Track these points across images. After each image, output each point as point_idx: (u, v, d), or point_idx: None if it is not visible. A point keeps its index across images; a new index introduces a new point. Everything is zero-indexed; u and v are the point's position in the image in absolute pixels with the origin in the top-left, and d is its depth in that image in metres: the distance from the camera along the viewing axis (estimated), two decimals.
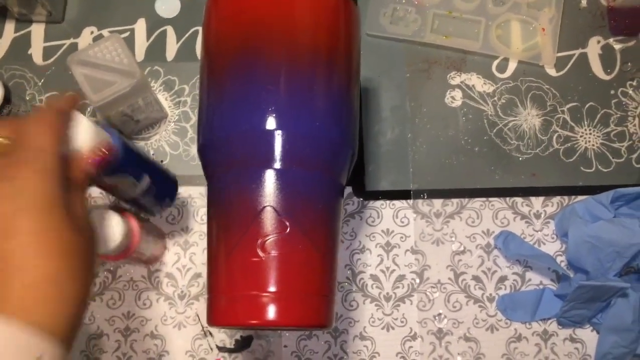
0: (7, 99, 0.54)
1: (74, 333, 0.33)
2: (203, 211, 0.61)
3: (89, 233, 0.35)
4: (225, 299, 0.42)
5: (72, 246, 0.33)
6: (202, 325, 0.58)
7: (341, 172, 0.46)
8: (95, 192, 0.61)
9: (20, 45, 0.66)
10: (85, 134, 0.38)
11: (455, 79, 0.64)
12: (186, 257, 0.59)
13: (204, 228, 0.60)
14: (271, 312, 0.41)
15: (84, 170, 0.38)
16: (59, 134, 0.35)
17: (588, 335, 0.58)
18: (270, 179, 0.42)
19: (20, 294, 0.30)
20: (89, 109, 0.64)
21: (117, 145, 0.42)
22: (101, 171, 0.40)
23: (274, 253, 0.41)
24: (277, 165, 0.43)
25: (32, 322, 0.30)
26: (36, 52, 0.66)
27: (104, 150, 0.40)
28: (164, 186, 0.53)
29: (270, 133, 0.43)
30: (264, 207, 0.42)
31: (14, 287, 0.30)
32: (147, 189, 0.49)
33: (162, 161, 0.62)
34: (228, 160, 0.44)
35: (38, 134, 0.34)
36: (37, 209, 0.32)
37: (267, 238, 0.41)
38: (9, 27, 0.67)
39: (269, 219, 0.42)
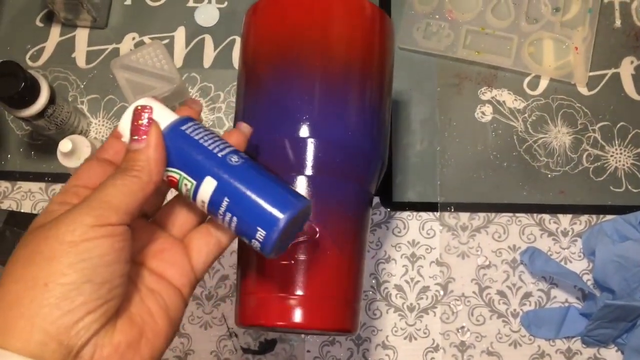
0: (52, 99, 0.57)
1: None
2: None
3: None
4: (254, 299, 0.44)
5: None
6: (227, 327, 0.59)
7: (371, 182, 0.47)
8: None
9: (65, 48, 0.69)
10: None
11: (486, 94, 0.65)
12: None
13: None
14: (298, 314, 0.42)
15: None
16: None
17: (612, 356, 0.57)
18: (302, 185, 0.44)
19: None
20: None
21: None
22: None
23: (303, 257, 0.42)
24: (309, 172, 0.44)
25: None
26: (80, 55, 0.68)
27: None
28: None
29: (304, 141, 0.44)
30: None
31: None
32: None
33: None
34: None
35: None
36: None
37: (297, 242, 0.42)
38: (55, 31, 0.69)
39: None
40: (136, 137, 0.32)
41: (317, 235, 0.43)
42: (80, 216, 0.29)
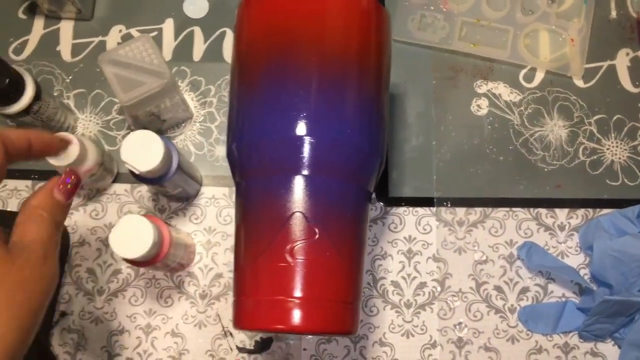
0: (38, 95, 0.55)
1: None
2: (226, 212, 0.61)
3: (36, 261, 0.33)
4: (252, 302, 0.43)
5: None
6: (222, 326, 0.58)
7: (369, 180, 0.46)
8: (129, 197, 0.61)
9: (49, 41, 0.67)
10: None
11: (482, 87, 0.64)
12: (208, 257, 0.60)
13: (227, 229, 0.60)
14: (296, 317, 0.41)
15: (48, 198, 0.36)
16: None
17: (609, 350, 0.57)
18: (300, 185, 0.43)
19: None
20: (115, 107, 0.64)
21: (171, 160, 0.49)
22: (70, 199, 0.37)
23: (301, 259, 0.41)
24: (307, 171, 0.43)
25: None
26: (65, 48, 0.66)
27: (70, 176, 0.37)
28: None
29: (300, 139, 0.43)
30: (294, 212, 0.42)
31: None
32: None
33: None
34: (258, 166, 0.44)
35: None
36: None
37: (296, 244, 0.41)
38: (39, 23, 0.67)
39: (298, 224, 0.42)
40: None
41: (316, 236, 0.42)
42: None
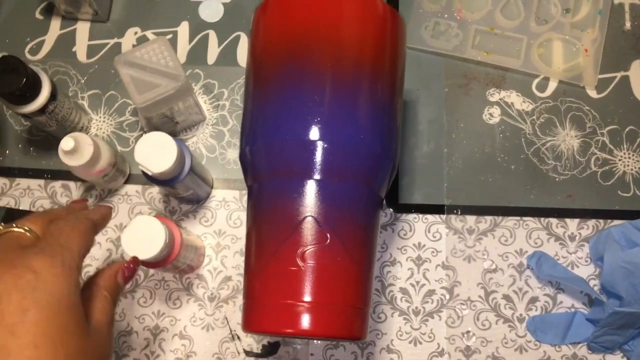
0: (54, 95, 0.55)
1: None
2: (236, 215, 0.61)
3: (102, 341, 0.36)
4: (261, 306, 0.43)
5: (79, 351, 0.33)
6: (230, 329, 0.58)
7: (382, 186, 0.46)
8: (141, 198, 0.62)
9: (66, 42, 0.67)
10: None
11: (494, 95, 0.64)
12: (217, 259, 0.60)
13: (236, 231, 0.61)
14: (306, 321, 0.41)
15: (112, 281, 0.39)
16: (87, 242, 0.37)
17: None
18: (312, 189, 0.43)
19: None
20: (129, 109, 0.65)
21: (183, 162, 0.51)
22: (128, 282, 0.42)
23: (312, 263, 0.42)
24: (319, 176, 0.43)
25: None
26: (80, 49, 0.67)
27: (132, 264, 0.42)
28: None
29: (314, 143, 0.43)
30: (305, 217, 0.42)
31: None
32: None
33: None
34: (271, 169, 0.44)
35: (68, 234, 0.36)
36: (51, 308, 0.32)
37: (307, 248, 0.42)
38: (55, 24, 0.68)
39: (309, 229, 0.42)
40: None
41: (328, 241, 0.42)
42: None
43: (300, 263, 0.41)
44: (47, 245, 0.35)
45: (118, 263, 0.41)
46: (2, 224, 0.37)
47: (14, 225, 0.37)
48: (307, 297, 0.41)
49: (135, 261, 0.42)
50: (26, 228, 0.37)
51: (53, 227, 0.36)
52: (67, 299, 0.33)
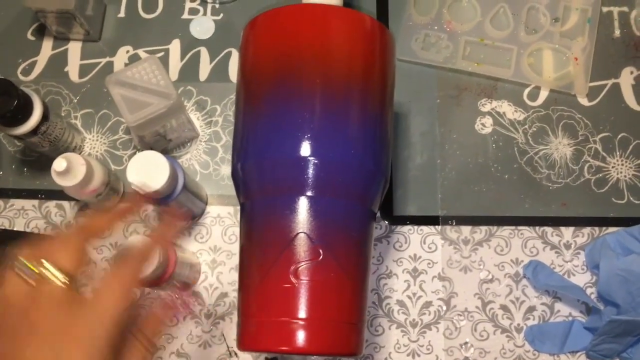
0: (46, 116, 0.56)
1: None
2: (231, 230, 0.61)
3: None
4: (256, 324, 0.43)
5: None
6: (227, 345, 0.58)
7: (374, 200, 0.46)
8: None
9: (57, 62, 0.67)
10: None
11: (486, 106, 0.64)
12: (213, 276, 0.60)
13: (232, 247, 0.60)
14: (301, 338, 0.41)
15: (156, 328, 0.36)
16: (128, 296, 0.33)
17: None
18: (304, 206, 0.43)
19: None
20: (122, 127, 0.65)
21: (176, 180, 0.52)
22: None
23: (305, 280, 0.42)
24: (311, 192, 0.43)
25: None
26: (72, 69, 0.67)
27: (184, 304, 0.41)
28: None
29: (305, 160, 0.43)
30: (298, 233, 0.42)
31: None
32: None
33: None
34: (262, 186, 0.44)
35: (110, 294, 0.32)
36: None
37: (300, 265, 0.41)
38: (47, 44, 0.68)
39: (302, 245, 0.42)
40: None
41: (321, 257, 0.42)
42: None
43: (293, 280, 0.41)
44: (87, 308, 0.31)
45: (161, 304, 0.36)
46: (31, 262, 0.31)
47: (43, 266, 0.31)
48: (302, 314, 0.41)
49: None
50: (61, 277, 0.31)
51: (98, 284, 0.32)
52: None
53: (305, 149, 0.43)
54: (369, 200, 0.46)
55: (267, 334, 0.42)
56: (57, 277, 0.31)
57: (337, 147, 0.43)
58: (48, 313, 0.31)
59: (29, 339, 0.30)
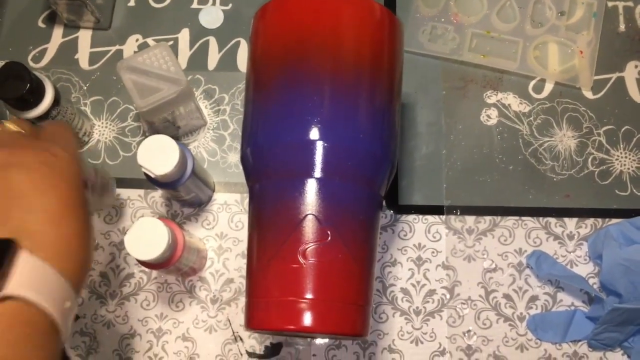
0: (57, 100, 0.56)
1: (82, 286, 0.36)
2: (238, 217, 0.62)
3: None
4: (264, 303, 0.43)
5: (87, 218, 0.37)
6: (232, 330, 0.59)
7: (381, 185, 0.47)
8: (143, 202, 0.62)
9: (68, 49, 0.68)
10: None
11: (492, 97, 0.65)
12: (220, 262, 0.61)
13: (238, 234, 0.61)
14: (308, 318, 0.42)
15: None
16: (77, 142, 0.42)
17: (619, 359, 0.57)
18: (313, 188, 0.43)
19: (55, 244, 0.33)
20: (131, 114, 0.65)
21: (185, 165, 0.53)
22: None
23: (313, 261, 0.42)
24: (319, 175, 0.44)
25: (63, 269, 0.33)
26: (83, 57, 0.68)
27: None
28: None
29: (314, 143, 0.44)
30: (306, 215, 0.43)
31: (50, 236, 0.33)
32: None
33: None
34: (271, 169, 0.45)
35: (62, 134, 0.39)
36: (75, 183, 0.36)
37: (308, 246, 0.42)
38: (58, 32, 0.69)
39: (310, 227, 0.42)
40: None
41: (329, 238, 0.42)
42: None
43: (302, 260, 0.42)
44: (52, 139, 0.38)
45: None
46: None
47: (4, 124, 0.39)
48: (309, 294, 0.42)
49: None
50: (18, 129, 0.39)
51: (46, 130, 0.39)
52: (79, 178, 0.36)
53: (315, 133, 0.43)
54: (376, 185, 0.46)
55: (274, 314, 0.42)
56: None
57: (346, 131, 0.44)
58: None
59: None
